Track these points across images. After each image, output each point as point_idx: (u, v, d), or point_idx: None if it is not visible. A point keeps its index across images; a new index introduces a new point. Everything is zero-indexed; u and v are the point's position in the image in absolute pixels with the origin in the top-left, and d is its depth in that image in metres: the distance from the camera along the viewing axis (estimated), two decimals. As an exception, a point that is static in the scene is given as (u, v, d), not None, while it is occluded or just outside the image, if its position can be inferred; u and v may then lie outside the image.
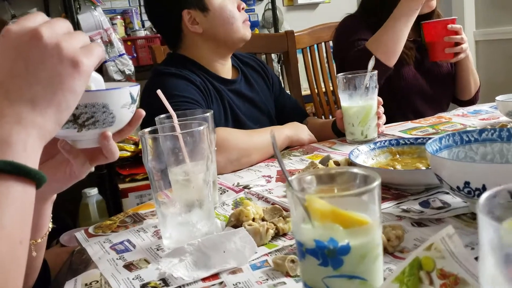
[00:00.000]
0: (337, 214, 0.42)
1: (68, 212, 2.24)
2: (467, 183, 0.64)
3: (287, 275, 0.58)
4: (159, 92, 0.80)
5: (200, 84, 1.21)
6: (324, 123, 1.38)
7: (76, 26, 2.24)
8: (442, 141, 0.77)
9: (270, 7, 2.78)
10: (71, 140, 0.57)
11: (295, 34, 1.87)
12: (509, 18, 3.18)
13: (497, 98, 1.24)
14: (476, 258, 0.35)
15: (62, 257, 0.91)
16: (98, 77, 0.55)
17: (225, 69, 1.33)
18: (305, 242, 0.42)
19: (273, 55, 2.45)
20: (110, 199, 2.44)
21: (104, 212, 2.54)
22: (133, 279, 0.62)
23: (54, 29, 0.45)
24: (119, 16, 2.54)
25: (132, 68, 2.32)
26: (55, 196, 0.65)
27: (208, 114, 0.84)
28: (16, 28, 0.44)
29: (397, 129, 1.28)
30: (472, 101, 1.66)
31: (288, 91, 1.95)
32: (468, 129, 0.81)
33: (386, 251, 0.61)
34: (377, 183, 0.41)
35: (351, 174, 0.45)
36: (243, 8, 1.29)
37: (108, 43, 2.26)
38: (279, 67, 2.76)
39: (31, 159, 0.42)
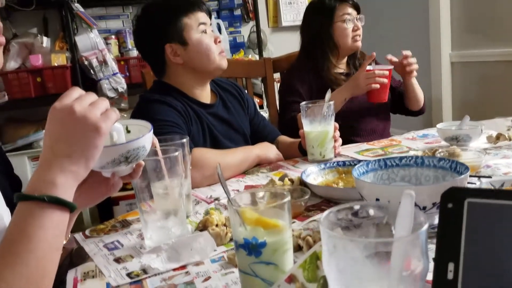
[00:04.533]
0: (260, 220, 0.61)
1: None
2: (377, 199, 0.84)
3: (236, 266, 0.77)
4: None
5: (181, 109, 1.41)
6: (291, 143, 1.58)
7: (74, 46, 2.43)
8: (369, 165, 0.97)
9: (255, 30, 2.99)
10: (116, 171, 0.77)
11: (274, 59, 2.08)
12: (483, 42, 3.41)
13: (437, 125, 1.45)
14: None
15: (62, 256, 1.10)
16: (119, 126, 0.74)
17: (204, 94, 1.52)
18: (238, 239, 0.61)
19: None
20: (102, 206, 2.62)
21: (96, 218, 2.72)
22: (121, 269, 0.80)
23: (83, 103, 0.66)
24: (113, 36, 2.73)
25: (125, 86, 2.51)
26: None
27: (184, 140, 1.03)
28: (58, 105, 0.66)
29: (353, 150, 1.49)
30: (422, 110, 1.99)
31: (267, 110, 2.16)
32: (392, 156, 1.01)
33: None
34: (286, 199, 0.61)
35: (272, 194, 0.65)
36: (219, 41, 1.48)
37: (103, 63, 2.46)
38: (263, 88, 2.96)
39: (68, 194, 0.64)
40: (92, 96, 0.68)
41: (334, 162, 1.18)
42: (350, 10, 1.86)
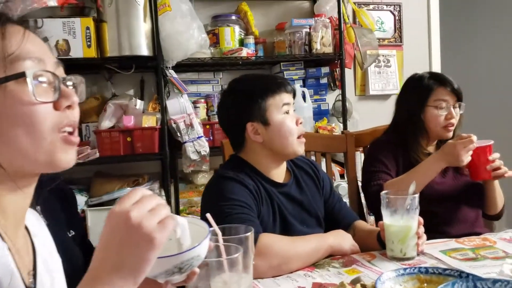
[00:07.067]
0: None
1: None
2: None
3: None
4: (208, 216, 0.95)
5: (253, 188, 1.37)
6: (370, 231, 1.45)
7: (164, 109, 2.55)
8: (455, 286, 0.84)
9: (341, 98, 2.93)
10: (169, 280, 0.73)
11: (357, 133, 2.00)
12: None
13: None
14: None
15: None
16: (184, 222, 0.70)
17: (279, 173, 1.48)
18: None
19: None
20: None
21: None
22: None
23: (141, 209, 0.62)
24: (202, 100, 2.83)
25: (207, 150, 2.55)
26: None
27: (248, 234, 0.97)
28: (117, 209, 0.62)
29: (438, 249, 1.33)
30: (499, 216, 1.78)
31: (346, 188, 2.06)
32: (484, 276, 0.87)
33: None
34: None
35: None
36: (300, 123, 1.45)
37: (189, 126, 2.53)
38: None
39: None
40: (153, 201, 0.64)
41: (414, 268, 1.04)
42: (448, 97, 1.71)
